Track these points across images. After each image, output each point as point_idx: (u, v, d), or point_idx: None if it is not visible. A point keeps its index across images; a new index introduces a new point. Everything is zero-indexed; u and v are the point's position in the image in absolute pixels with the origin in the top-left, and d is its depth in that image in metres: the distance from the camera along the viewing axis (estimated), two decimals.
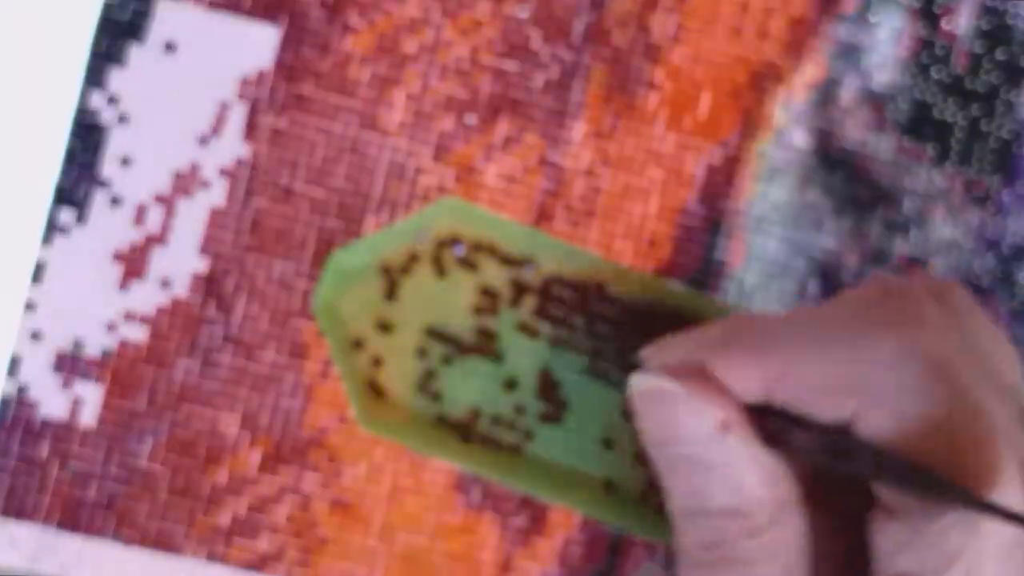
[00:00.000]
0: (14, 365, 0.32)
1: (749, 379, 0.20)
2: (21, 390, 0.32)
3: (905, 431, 0.18)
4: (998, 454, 0.18)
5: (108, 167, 0.32)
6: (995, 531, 0.17)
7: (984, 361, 0.20)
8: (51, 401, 0.32)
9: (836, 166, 0.34)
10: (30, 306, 0.32)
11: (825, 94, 0.34)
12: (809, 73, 0.34)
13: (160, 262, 0.32)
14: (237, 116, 0.32)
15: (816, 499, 0.20)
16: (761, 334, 0.20)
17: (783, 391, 0.20)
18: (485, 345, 0.32)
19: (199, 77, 0.32)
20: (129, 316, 0.32)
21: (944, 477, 0.18)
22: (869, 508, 0.19)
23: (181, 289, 0.32)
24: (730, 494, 0.20)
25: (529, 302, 0.32)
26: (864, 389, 0.19)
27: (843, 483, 0.21)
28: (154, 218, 0.32)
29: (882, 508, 0.19)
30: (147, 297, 0.32)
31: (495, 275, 0.32)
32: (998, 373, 0.20)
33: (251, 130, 0.32)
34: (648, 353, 0.23)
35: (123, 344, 0.32)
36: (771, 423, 0.20)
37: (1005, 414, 0.19)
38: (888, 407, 0.18)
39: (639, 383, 0.21)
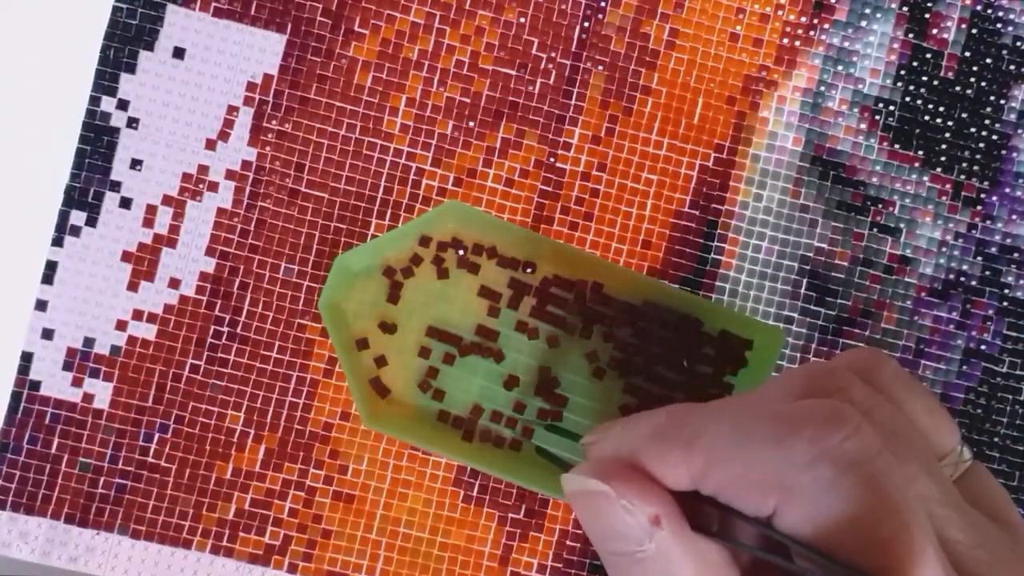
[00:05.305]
0: (26, 362, 0.32)
1: (677, 473, 0.20)
2: (32, 386, 0.32)
3: (824, 526, 0.18)
4: (914, 545, 0.18)
5: (118, 170, 0.32)
6: None
7: (911, 440, 0.20)
8: (62, 397, 0.32)
9: (827, 169, 0.34)
10: (42, 305, 0.32)
11: (817, 99, 0.34)
12: (801, 78, 0.34)
13: (168, 262, 0.33)
14: (243, 120, 0.33)
15: None
16: (687, 428, 0.20)
17: (708, 484, 0.20)
18: (485, 344, 0.32)
19: (207, 83, 0.33)
20: (138, 315, 0.32)
21: (864, 570, 0.18)
22: None
23: (188, 289, 0.33)
24: None
25: (528, 302, 0.33)
26: (781, 487, 0.19)
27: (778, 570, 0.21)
28: (162, 219, 0.32)
29: None
30: (155, 296, 0.32)
31: (495, 276, 0.33)
32: (924, 449, 0.20)
33: (257, 134, 0.33)
34: (586, 441, 0.22)
35: (132, 342, 0.32)
36: (705, 510, 0.20)
37: (933, 489, 0.20)
38: (805, 505, 0.18)
39: (569, 484, 0.20)
